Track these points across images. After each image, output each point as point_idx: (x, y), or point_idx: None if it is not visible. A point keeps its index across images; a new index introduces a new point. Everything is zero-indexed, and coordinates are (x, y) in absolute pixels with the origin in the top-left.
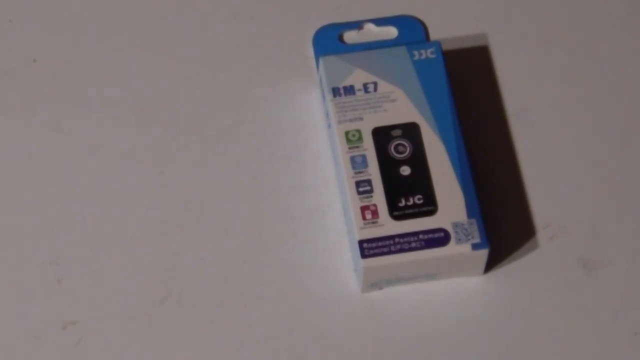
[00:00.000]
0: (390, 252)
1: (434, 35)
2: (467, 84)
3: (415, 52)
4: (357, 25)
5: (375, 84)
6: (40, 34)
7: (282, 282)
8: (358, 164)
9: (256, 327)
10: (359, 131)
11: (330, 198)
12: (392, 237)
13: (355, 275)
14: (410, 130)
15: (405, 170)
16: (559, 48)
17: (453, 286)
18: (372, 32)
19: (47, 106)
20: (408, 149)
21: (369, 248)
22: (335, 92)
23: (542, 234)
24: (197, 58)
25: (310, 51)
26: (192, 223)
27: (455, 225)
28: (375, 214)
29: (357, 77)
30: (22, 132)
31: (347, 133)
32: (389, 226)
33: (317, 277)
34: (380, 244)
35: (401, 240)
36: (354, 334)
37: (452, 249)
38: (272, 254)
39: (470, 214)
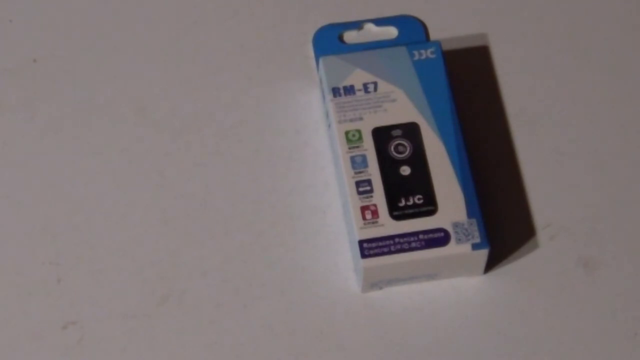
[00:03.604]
0: (390, 252)
1: (434, 35)
2: (467, 84)
3: (415, 52)
4: (357, 25)
5: (375, 84)
6: (40, 34)
7: (282, 282)
8: (358, 164)
9: (256, 327)
10: (359, 131)
11: (330, 198)
12: (392, 237)
13: (355, 275)
14: (410, 130)
15: (405, 170)
16: (559, 48)
17: (453, 286)
18: (372, 32)
19: (47, 106)
20: (408, 149)
21: (369, 248)
22: (335, 92)
23: (542, 234)
24: (197, 58)
25: (310, 51)
26: (192, 223)
27: (455, 225)
28: (375, 214)
29: (357, 77)
30: (22, 132)
31: (347, 133)
32: (389, 226)
33: (317, 277)
34: (380, 244)
35: (401, 240)
36: (354, 334)
37: (452, 249)
38: (272, 254)
39: (470, 214)
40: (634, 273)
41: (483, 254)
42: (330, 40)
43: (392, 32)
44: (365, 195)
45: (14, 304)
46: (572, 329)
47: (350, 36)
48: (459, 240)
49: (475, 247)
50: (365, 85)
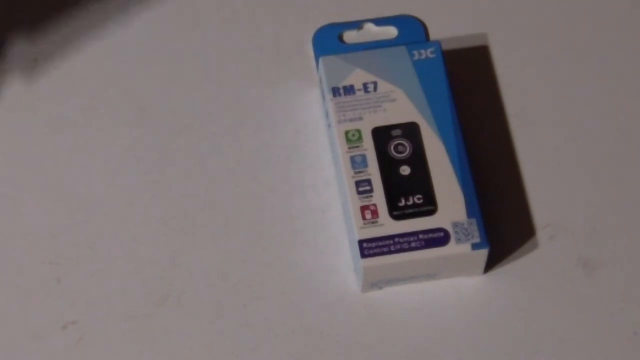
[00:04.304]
0: (390, 252)
1: (434, 35)
2: (467, 84)
3: (415, 52)
4: (357, 25)
5: (375, 84)
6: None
7: (282, 282)
8: (358, 164)
9: (256, 327)
10: (359, 131)
11: (330, 198)
12: (392, 237)
13: (355, 275)
14: (410, 130)
15: (405, 170)
16: (559, 48)
17: (453, 286)
18: (372, 32)
19: (47, 106)
20: (408, 149)
21: (369, 248)
22: (335, 92)
23: (542, 234)
24: (197, 58)
25: (310, 51)
26: (192, 223)
27: (455, 225)
28: (375, 214)
29: (357, 77)
30: (22, 132)
31: (347, 133)
32: (389, 226)
33: (317, 277)
34: (380, 244)
35: (401, 240)
36: (354, 334)
37: (452, 249)
38: (272, 254)
39: (470, 214)
40: (634, 273)
41: (483, 254)
42: (330, 40)
43: (392, 32)
44: (365, 195)
45: (14, 304)
46: (572, 329)
47: (350, 36)
48: (459, 240)
49: (475, 247)
50: (365, 85)
